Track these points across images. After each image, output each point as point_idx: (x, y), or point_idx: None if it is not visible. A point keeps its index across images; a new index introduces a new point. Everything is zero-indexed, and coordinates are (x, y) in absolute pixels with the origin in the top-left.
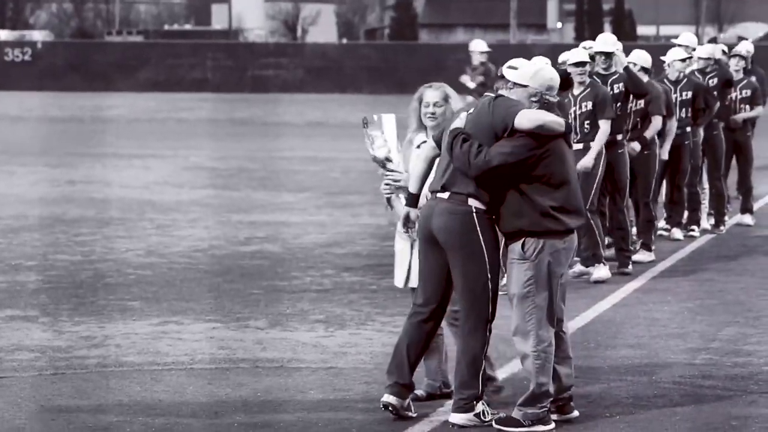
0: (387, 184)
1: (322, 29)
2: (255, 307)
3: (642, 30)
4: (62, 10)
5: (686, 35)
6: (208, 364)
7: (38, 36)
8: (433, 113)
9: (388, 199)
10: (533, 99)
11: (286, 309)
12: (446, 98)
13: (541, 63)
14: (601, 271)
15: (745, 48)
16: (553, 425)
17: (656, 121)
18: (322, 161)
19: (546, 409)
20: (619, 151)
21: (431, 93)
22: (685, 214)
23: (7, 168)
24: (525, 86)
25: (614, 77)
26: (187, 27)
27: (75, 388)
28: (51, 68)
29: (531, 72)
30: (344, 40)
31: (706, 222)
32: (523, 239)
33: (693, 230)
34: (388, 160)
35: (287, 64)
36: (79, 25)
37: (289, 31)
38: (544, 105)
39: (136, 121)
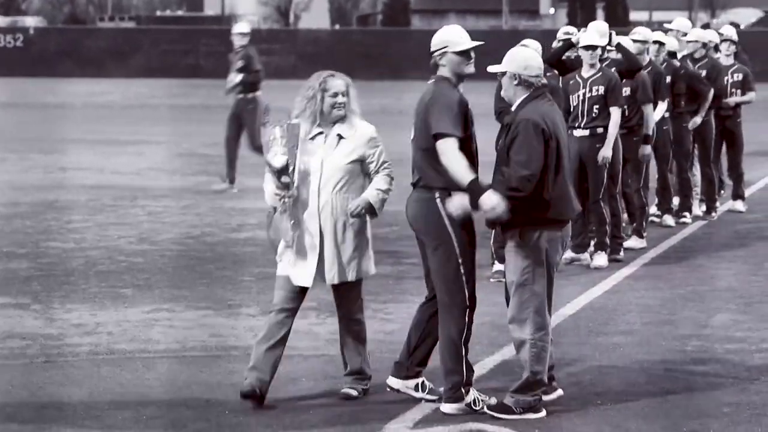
0: (278, 195)
1: (315, 15)
2: (247, 294)
3: (635, 15)
4: None
5: (680, 20)
6: (200, 351)
7: (31, 22)
8: (342, 103)
9: (274, 209)
10: (514, 82)
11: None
12: (348, 87)
13: (517, 47)
14: (602, 259)
15: (731, 33)
16: (544, 413)
17: (647, 110)
18: None
19: (538, 397)
20: None
21: (338, 82)
22: (677, 200)
23: None
24: (504, 73)
25: (606, 63)
26: (180, 13)
27: (66, 375)
28: (43, 54)
29: (507, 58)
30: (337, 26)
31: (698, 208)
32: (520, 228)
33: (685, 217)
34: (285, 170)
35: (279, 50)
36: (71, 11)
37: (282, 17)
38: (527, 86)
39: (128, 107)
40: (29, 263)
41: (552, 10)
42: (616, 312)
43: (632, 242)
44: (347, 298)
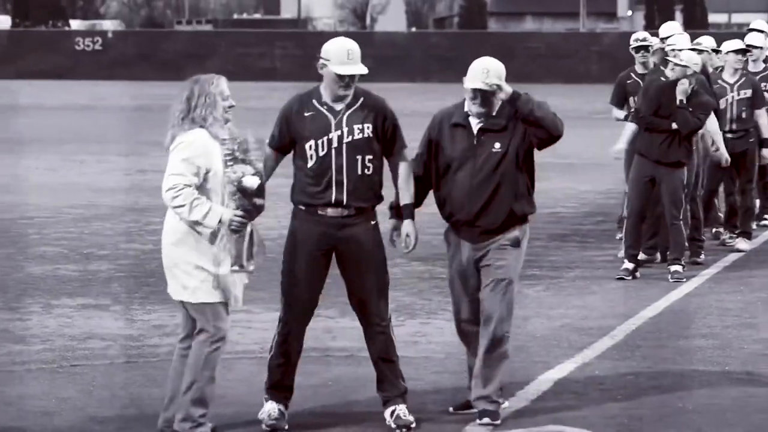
0: (243, 218)
1: (391, 18)
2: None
3: (713, 18)
4: (132, 0)
5: (759, 22)
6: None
7: (109, 25)
8: (233, 106)
9: (235, 230)
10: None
11: None
12: None
13: (484, 59)
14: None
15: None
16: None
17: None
18: None
19: None
20: None
21: (227, 85)
22: (757, 203)
23: (78, 157)
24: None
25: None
26: (257, 16)
27: (147, 376)
28: (121, 57)
29: (499, 74)
30: (413, 29)
31: None
32: (516, 226)
33: (766, 219)
34: (260, 192)
35: None
36: (149, 15)
37: (358, 20)
38: None
39: None
40: (109, 265)
41: (629, 13)
42: (696, 315)
43: (742, 244)
44: None
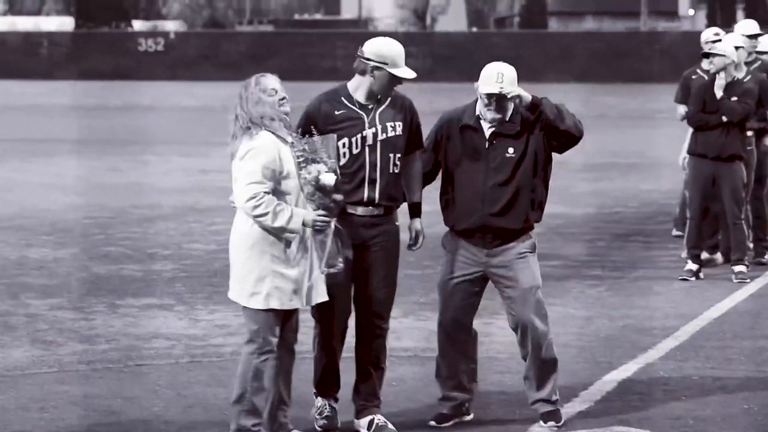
0: (326, 216)
1: (452, 18)
2: None
3: None
4: (194, 1)
5: None
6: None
7: (171, 26)
8: (284, 98)
9: (319, 230)
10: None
11: (419, 298)
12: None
13: (495, 65)
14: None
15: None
16: None
17: None
18: None
19: None
20: None
21: (275, 80)
22: None
23: (141, 157)
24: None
25: (756, 65)
26: (317, 16)
27: (211, 375)
28: (183, 58)
29: (512, 79)
30: (474, 29)
31: None
32: (529, 231)
33: None
34: (337, 188)
35: (416, 53)
36: (210, 15)
37: (419, 20)
38: None
39: None
40: (173, 265)
41: (691, 12)
42: (761, 316)
43: None
44: (297, 323)
